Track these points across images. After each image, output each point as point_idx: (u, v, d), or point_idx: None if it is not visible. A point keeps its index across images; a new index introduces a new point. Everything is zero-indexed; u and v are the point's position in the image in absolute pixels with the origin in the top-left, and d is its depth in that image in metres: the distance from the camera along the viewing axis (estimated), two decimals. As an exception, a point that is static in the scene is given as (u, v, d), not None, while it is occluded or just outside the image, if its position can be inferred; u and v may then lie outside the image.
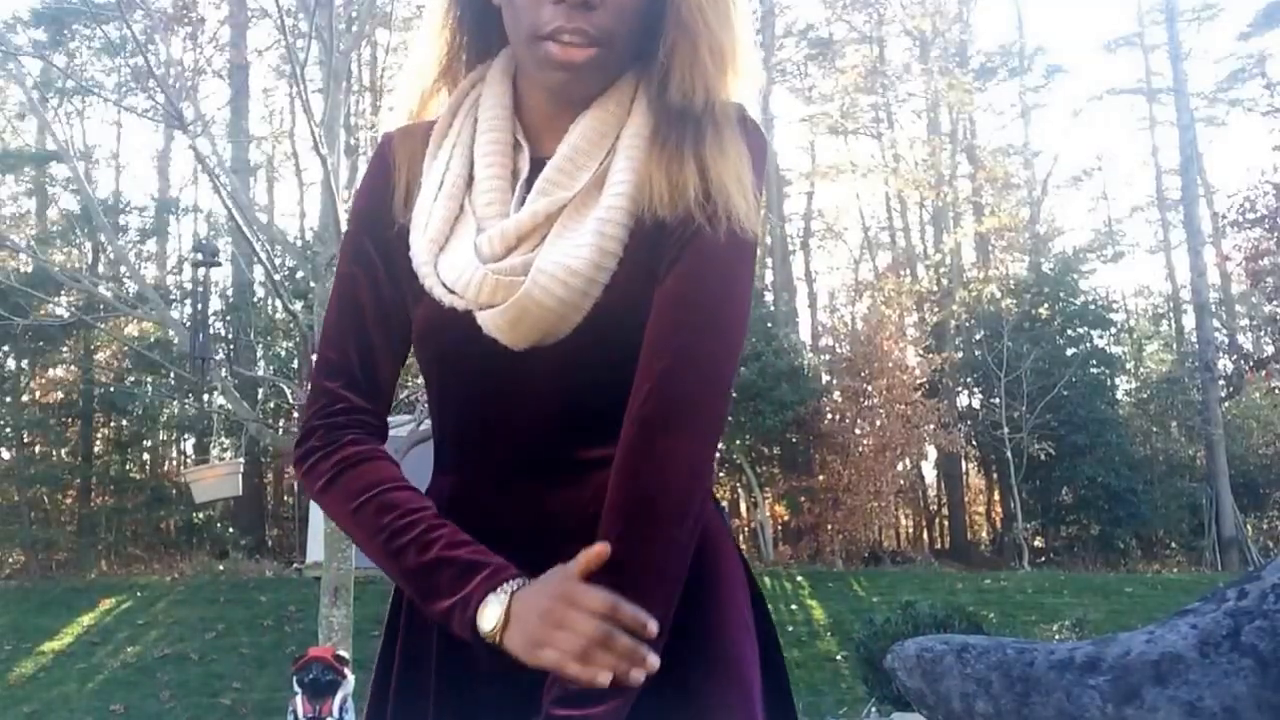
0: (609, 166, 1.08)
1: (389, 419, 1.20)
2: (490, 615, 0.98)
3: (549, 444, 1.10)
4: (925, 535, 23.69)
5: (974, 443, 20.81)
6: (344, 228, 8.09)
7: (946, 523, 23.79)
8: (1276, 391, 20.35)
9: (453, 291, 1.07)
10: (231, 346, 17.57)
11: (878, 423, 18.71)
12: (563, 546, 1.02)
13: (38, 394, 18.97)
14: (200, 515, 17.82)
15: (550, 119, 1.12)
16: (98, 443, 19.49)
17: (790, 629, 13.05)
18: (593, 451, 1.08)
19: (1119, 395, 22.86)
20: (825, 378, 20.33)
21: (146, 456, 21.32)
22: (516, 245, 1.07)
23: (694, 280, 1.05)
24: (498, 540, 1.06)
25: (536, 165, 1.11)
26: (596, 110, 1.10)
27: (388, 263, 1.14)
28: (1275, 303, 19.25)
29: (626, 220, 1.06)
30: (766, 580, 15.68)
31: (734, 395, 1.30)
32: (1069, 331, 21.25)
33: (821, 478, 18.89)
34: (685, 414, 1.03)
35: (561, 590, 0.96)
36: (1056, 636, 10.16)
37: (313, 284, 8.44)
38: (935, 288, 23.84)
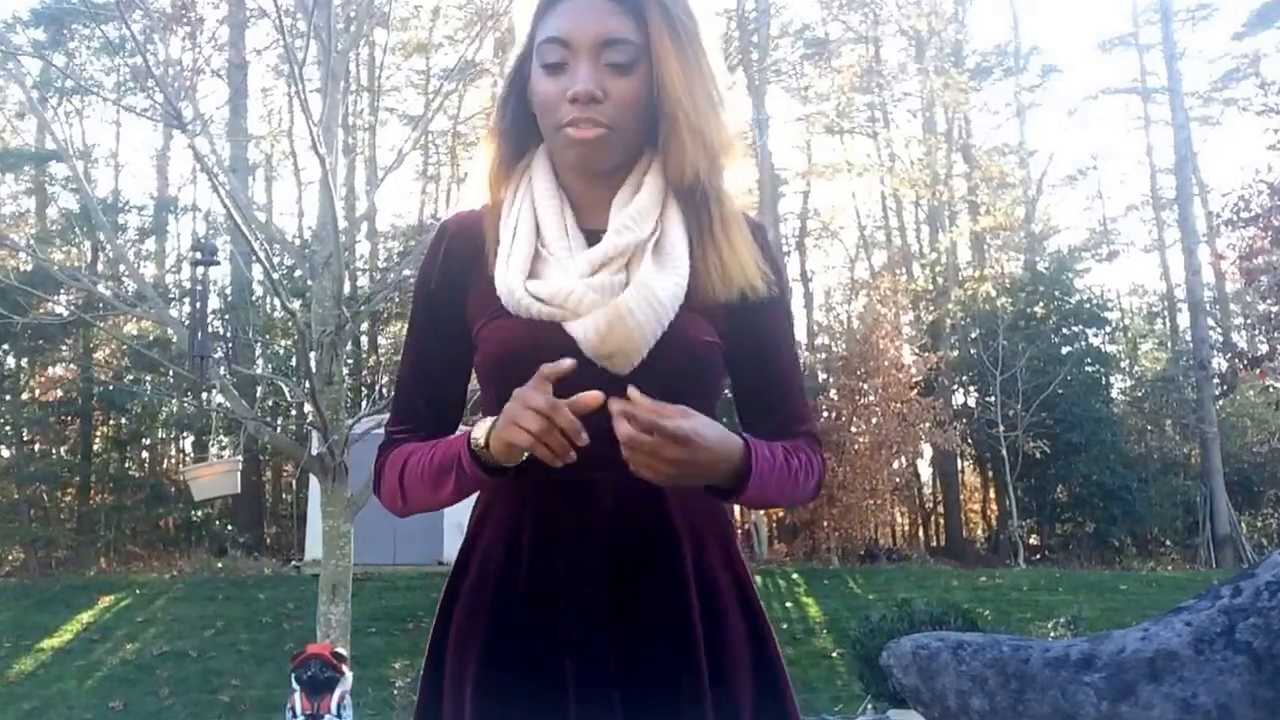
0: (663, 235, 1.39)
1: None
2: (480, 429, 1.27)
3: (610, 446, 1.26)
4: (921, 533, 23.72)
5: (969, 441, 20.82)
6: (341, 229, 8.13)
7: (942, 520, 23.82)
8: (1271, 389, 20.39)
9: (547, 304, 1.34)
10: (230, 345, 17.56)
11: (874, 421, 18.75)
12: (623, 530, 1.37)
13: (37, 392, 19.01)
14: (199, 513, 17.84)
15: (583, 195, 1.43)
16: (97, 441, 19.50)
17: (786, 626, 13.08)
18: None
19: (1114, 393, 22.90)
20: (821, 376, 20.36)
21: (145, 454, 21.34)
22: (600, 270, 1.36)
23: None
24: (561, 522, 1.37)
25: (584, 230, 1.41)
26: (645, 188, 1.40)
27: (457, 318, 1.45)
28: (1269, 301, 19.25)
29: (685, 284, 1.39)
30: (760, 579, 15.72)
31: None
32: (1064, 330, 21.27)
33: (818, 475, 18.91)
34: None
35: (520, 394, 1.21)
36: (1052, 634, 10.21)
37: (310, 282, 8.44)
38: (931, 286, 23.87)
